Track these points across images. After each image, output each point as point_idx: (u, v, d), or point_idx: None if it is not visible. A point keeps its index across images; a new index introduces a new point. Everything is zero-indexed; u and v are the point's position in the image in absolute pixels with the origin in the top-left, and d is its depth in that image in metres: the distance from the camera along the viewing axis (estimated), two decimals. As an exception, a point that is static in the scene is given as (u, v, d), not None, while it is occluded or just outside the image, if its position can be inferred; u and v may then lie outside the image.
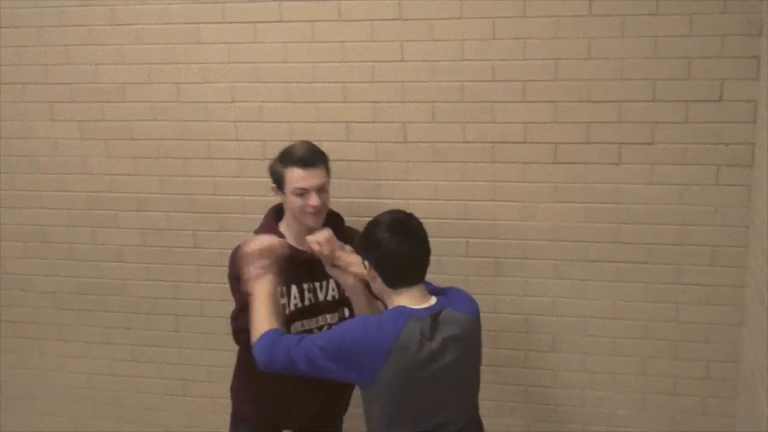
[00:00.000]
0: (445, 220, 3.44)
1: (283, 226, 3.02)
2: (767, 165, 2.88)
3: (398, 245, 2.53)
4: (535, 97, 3.25)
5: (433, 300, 2.58)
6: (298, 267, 2.92)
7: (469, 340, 2.61)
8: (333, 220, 3.06)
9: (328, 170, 2.99)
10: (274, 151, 3.47)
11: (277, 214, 3.07)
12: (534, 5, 3.16)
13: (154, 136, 3.63)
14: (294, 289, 2.97)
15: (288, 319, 2.91)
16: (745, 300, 3.25)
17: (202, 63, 3.50)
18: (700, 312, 3.33)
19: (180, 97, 3.55)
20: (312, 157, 2.92)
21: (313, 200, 2.89)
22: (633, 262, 3.33)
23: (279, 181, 2.94)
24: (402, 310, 2.51)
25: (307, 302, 2.99)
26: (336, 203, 3.49)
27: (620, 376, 3.48)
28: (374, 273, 2.59)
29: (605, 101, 3.20)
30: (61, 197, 3.80)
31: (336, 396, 3.17)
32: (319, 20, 3.35)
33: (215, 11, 3.42)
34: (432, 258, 3.43)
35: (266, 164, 3.42)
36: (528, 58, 3.22)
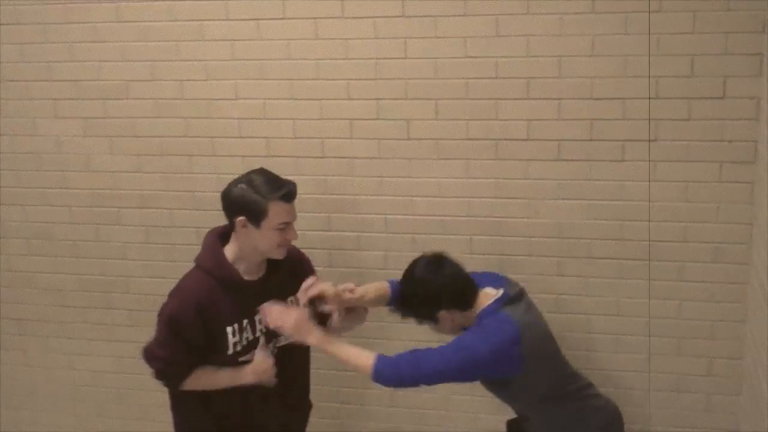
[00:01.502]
0: (448, 217, 3.45)
1: (230, 255, 2.88)
2: (770, 162, 2.88)
3: (450, 273, 2.77)
4: (538, 94, 3.25)
5: (492, 290, 2.80)
6: (247, 300, 2.85)
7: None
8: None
9: None
10: (278, 148, 3.50)
11: (221, 241, 2.93)
12: (537, 3, 3.16)
13: (157, 133, 3.63)
14: (245, 323, 2.88)
15: (235, 355, 2.87)
16: (748, 297, 3.25)
17: (205, 60, 3.50)
18: (703, 309, 3.33)
19: (184, 94, 3.56)
20: (294, 189, 2.83)
21: (293, 234, 2.83)
22: (636, 259, 3.33)
23: (256, 215, 2.76)
24: (489, 308, 2.73)
25: (258, 333, 2.92)
26: (339, 200, 3.50)
27: (623, 373, 3.48)
28: (447, 317, 2.77)
29: (608, 98, 3.20)
30: (65, 194, 3.81)
31: (296, 409, 3.17)
32: (323, 17, 3.35)
33: (219, 8, 3.43)
34: (436, 255, 3.48)
35: (269, 161, 3.44)
36: (531, 55, 3.22)
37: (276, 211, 2.76)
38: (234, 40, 3.45)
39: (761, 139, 3.05)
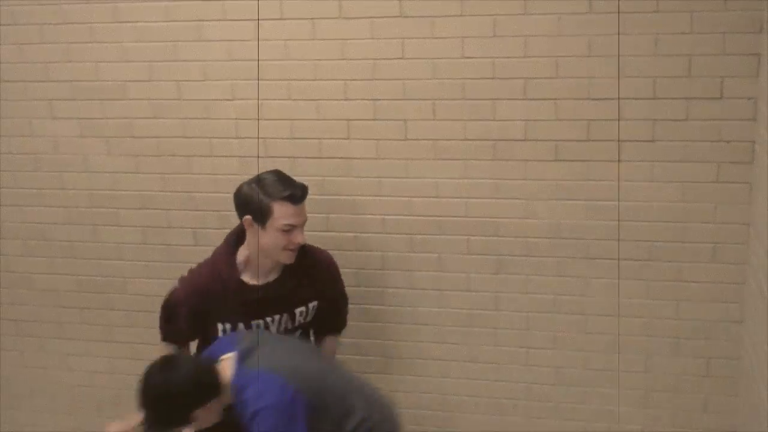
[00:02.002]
0: (446, 218, 3.45)
1: (241, 256, 2.90)
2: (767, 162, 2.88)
3: (179, 374, 2.53)
4: (536, 94, 3.25)
5: (227, 355, 2.66)
6: (248, 304, 2.84)
7: None
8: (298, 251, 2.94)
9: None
10: (276, 149, 3.50)
11: (237, 240, 2.94)
12: (535, 3, 3.16)
13: (155, 134, 3.63)
14: (240, 327, 2.88)
15: None
16: (746, 297, 3.25)
17: (203, 61, 3.50)
18: (701, 309, 3.33)
19: (181, 95, 3.55)
20: (303, 192, 2.82)
21: (300, 237, 2.79)
22: (634, 259, 3.33)
23: (261, 215, 2.78)
24: (235, 374, 2.60)
25: None
26: (336, 201, 3.50)
27: (622, 374, 3.48)
28: (204, 411, 2.57)
29: (606, 99, 3.20)
30: (62, 195, 3.80)
31: None
32: (320, 18, 3.35)
33: (216, 9, 3.42)
34: (433, 256, 3.49)
35: (267, 162, 3.44)
36: (529, 55, 3.22)
37: (281, 211, 2.75)
38: (231, 40, 3.45)
39: (759, 140, 3.05)
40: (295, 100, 3.46)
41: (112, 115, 3.64)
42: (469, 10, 3.22)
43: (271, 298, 2.85)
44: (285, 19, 3.38)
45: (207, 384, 2.53)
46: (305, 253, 2.97)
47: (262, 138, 3.52)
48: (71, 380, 4.08)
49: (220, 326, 2.88)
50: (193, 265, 3.08)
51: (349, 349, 3.66)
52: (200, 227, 3.69)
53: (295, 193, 2.78)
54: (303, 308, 2.98)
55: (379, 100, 3.38)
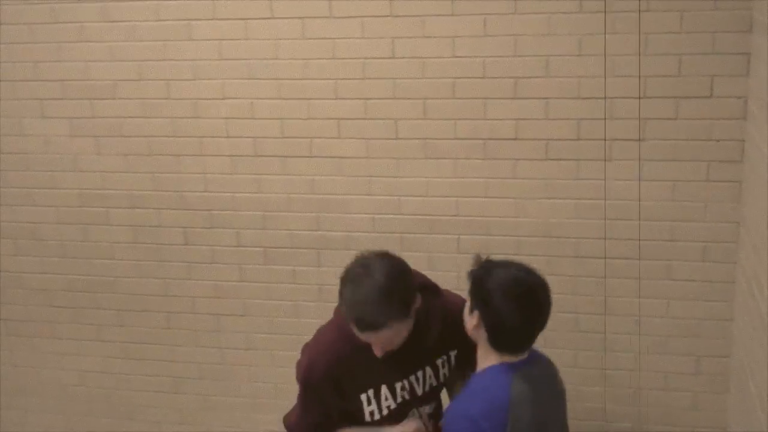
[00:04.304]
0: (436, 217, 3.45)
1: None
2: (757, 161, 2.88)
3: (517, 318, 2.23)
4: (526, 93, 3.25)
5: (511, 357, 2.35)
6: (386, 364, 2.50)
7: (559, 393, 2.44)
8: (426, 296, 2.54)
9: (406, 315, 2.34)
10: (266, 148, 3.50)
11: None
12: (525, 2, 3.16)
13: (145, 133, 3.62)
14: (384, 389, 2.54)
15: (375, 423, 2.57)
16: (736, 295, 3.26)
17: (193, 60, 3.49)
18: (691, 307, 3.34)
19: (171, 94, 3.55)
20: (377, 320, 2.28)
21: (378, 349, 2.39)
22: (624, 258, 3.34)
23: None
24: (503, 367, 2.31)
25: (400, 399, 2.57)
26: (327, 200, 3.50)
27: (612, 372, 3.49)
28: (480, 323, 2.30)
29: (596, 98, 3.20)
30: (53, 194, 3.79)
31: None
32: (310, 17, 3.35)
33: (206, 8, 3.42)
34: (424, 255, 3.49)
35: (257, 161, 3.45)
36: (519, 54, 3.22)
37: (354, 330, 2.36)
38: (221, 39, 3.44)
39: (748, 139, 3.05)
40: (285, 99, 3.45)
41: (102, 114, 3.64)
42: (460, 9, 3.22)
43: (410, 351, 2.52)
44: (275, 18, 3.37)
45: (504, 333, 2.28)
46: (434, 303, 2.59)
47: (251, 137, 3.52)
48: (63, 379, 4.07)
49: (363, 396, 2.55)
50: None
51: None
52: (190, 226, 3.68)
53: (360, 322, 2.30)
54: (444, 357, 2.64)
55: (370, 99, 3.38)
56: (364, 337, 2.33)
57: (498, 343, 2.29)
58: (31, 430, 4.19)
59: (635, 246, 3.32)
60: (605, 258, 3.37)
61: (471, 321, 2.33)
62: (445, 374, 2.65)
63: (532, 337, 2.30)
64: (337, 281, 3.38)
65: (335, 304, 3.59)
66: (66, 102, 3.66)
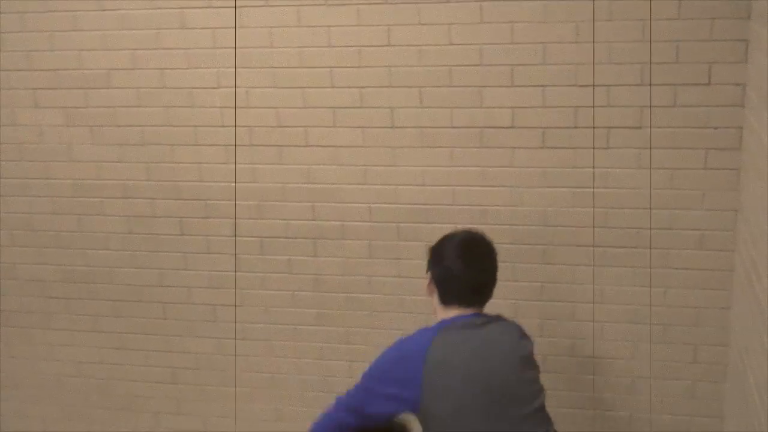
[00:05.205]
0: (432, 206, 3.43)
1: None
2: (756, 149, 2.87)
3: (461, 268, 2.50)
4: (523, 81, 3.23)
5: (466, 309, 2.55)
6: None
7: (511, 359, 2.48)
8: None
9: None
10: (261, 137, 3.48)
11: None
12: (521, -11, 3.15)
13: (139, 123, 3.60)
14: None
15: None
16: (734, 284, 3.25)
17: (187, 48, 3.47)
18: (688, 296, 3.33)
19: (165, 83, 3.53)
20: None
21: None
22: (621, 246, 3.33)
23: None
24: (440, 324, 2.49)
25: None
26: (323, 189, 3.48)
27: (609, 360, 3.48)
28: (433, 286, 2.59)
29: (593, 85, 3.18)
30: (47, 185, 3.77)
31: None
32: (305, 5, 3.32)
33: (200, -4, 3.40)
34: (420, 245, 3.48)
35: (252, 150, 3.43)
36: (516, 42, 3.20)
37: None
38: (215, 28, 3.42)
39: (747, 126, 3.04)
40: (280, 87, 3.43)
41: (95, 103, 3.61)
42: (456, -4, 3.20)
43: None
44: (270, 5, 3.35)
45: (450, 286, 2.55)
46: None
47: (247, 126, 3.50)
48: (58, 370, 4.06)
49: None
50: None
51: (335, 338, 3.65)
52: (185, 216, 3.67)
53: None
54: None
55: (365, 87, 3.36)
56: None
57: (445, 295, 2.53)
58: (27, 421, 4.18)
59: (632, 234, 3.31)
60: (594, 246, 3.36)
61: (427, 286, 2.61)
62: None
63: (479, 288, 2.52)
64: (333, 271, 3.38)
65: (331, 294, 3.58)
66: (59, 92, 3.64)
